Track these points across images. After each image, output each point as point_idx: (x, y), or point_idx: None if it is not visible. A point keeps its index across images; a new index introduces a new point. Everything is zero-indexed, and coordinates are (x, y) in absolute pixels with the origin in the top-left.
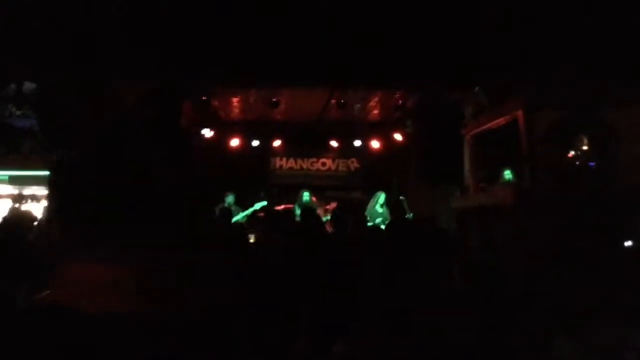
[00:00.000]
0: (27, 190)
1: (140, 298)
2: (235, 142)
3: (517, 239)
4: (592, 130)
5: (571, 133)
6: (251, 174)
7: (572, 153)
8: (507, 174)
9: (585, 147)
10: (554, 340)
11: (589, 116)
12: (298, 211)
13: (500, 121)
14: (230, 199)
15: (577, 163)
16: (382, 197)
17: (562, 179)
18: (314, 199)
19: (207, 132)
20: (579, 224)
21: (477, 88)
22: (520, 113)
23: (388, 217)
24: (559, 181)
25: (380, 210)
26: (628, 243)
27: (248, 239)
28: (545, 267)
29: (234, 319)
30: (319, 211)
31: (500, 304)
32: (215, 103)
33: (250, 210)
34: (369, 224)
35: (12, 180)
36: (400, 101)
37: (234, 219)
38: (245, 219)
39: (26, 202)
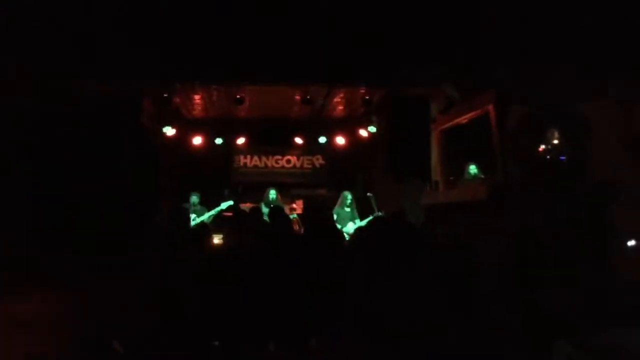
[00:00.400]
0: None
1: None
2: (198, 140)
3: (489, 235)
4: (563, 124)
5: (542, 127)
6: (215, 173)
7: (543, 147)
8: (472, 169)
9: (556, 141)
10: (553, 344)
11: (560, 110)
12: (265, 210)
13: (471, 115)
14: (194, 198)
15: (549, 157)
16: (349, 197)
17: (533, 173)
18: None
19: (169, 130)
20: (551, 218)
21: (446, 83)
22: (491, 107)
23: (356, 216)
24: (530, 175)
25: (347, 210)
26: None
27: (210, 240)
28: (520, 263)
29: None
30: (285, 210)
31: (477, 305)
32: (177, 100)
33: (216, 210)
34: (338, 225)
35: None
36: (366, 97)
37: (199, 219)
38: (210, 219)
39: None
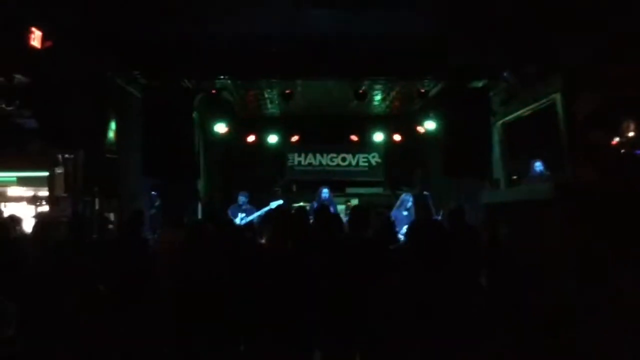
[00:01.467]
0: (42, 192)
1: None
2: (251, 138)
3: (557, 238)
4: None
5: (616, 117)
6: (268, 171)
7: (617, 140)
8: (538, 166)
9: (632, 133)
10: None
11: (637, 98)
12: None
13: (535, 106)
14: (242, 198)
15: (623, 151)
16: (409, 201)
17: (605, 170)
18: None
19: (221, 127)
20: (626, 220)
21: (507, 72)
22: (558, 97)
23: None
24: (602, 172)
25: (405, 213)
26: None
27: (244, 241)
28: (592, 269)
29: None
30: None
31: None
32: (228, 97)
33: (265, 209)
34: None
35: (21, 182)
36: (422, 90)
37: (247, 219)
38: (258, 219)
39: (41, 204)
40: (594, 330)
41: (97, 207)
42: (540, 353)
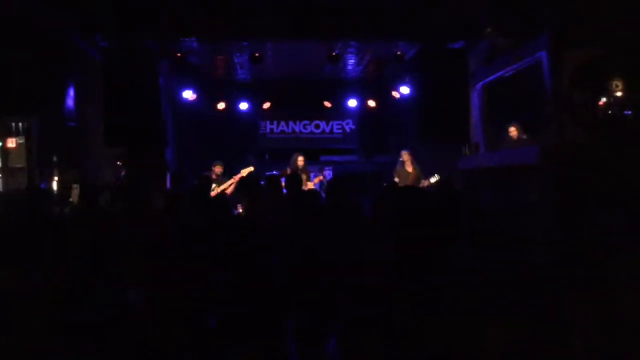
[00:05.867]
0: None
1: None
2: (221, 106)
3: (541, 203)
4: (629, 73)
5: (604, 76)
6: (240, 140)
7: (604, 100)
8: (515, 130)
9: (620, 93)
10: None
11: (627, 56)
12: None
13: (519, 66)
14: (216, 168)
15: (610, 112)
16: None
17: (592, 132)
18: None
19: (190, 94)
20: (615, 186)
21: (489, 29)
22: (544, 54)
23: (421, 176)
24: (589, 135)
25: (410, 170)
26: None
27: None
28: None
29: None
30: (315, 179)
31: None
32: (196, 61)
33: (236, 178)
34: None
35: None
36: (398, 53)
37: (220, 189)
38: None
39: None
40: (573, 295)
41: (56, 178)
42: (522, 319)
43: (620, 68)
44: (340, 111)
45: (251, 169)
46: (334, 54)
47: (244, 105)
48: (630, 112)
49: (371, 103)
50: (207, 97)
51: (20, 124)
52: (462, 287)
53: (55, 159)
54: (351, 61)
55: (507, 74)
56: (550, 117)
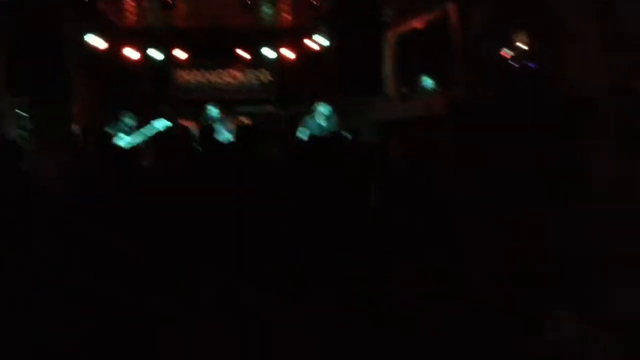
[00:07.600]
0: None
1: None
2: (132, 53)
3: (449, 154)
4: (534, 27)
5: (509, 29)
6: (153, 90)
7: (508, 53)
8: (426, 81)
9: (525, 46)
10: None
11: (532, 10)
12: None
13: (429, 17)
14: (127, 120)
15: (515, 65)
16: (326, 109)
17: (498, 84)
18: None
19: (97, 41)
20: (519, 137)
21: None
22: (451, 6)
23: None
24: (494, 86)
25: (324, 125)
26: None
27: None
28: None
29: None
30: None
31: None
32: (104, 6)
33: (148, 130)
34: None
35: None
36: (315, 2)
37: (130, 142)
38: (142, 142)
39: None
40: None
41: None
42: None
43: (524, 21)
44: (257, 61)
45: (167, 123)
46: (248, 1)
47: (156, 54)
48: (534, 64)
49: (288, 53)
50: (116, 45)
51: None
52: (369, 235)
53: None
54: (267, 10)
55: (419, 26)
56: (457, 69)
